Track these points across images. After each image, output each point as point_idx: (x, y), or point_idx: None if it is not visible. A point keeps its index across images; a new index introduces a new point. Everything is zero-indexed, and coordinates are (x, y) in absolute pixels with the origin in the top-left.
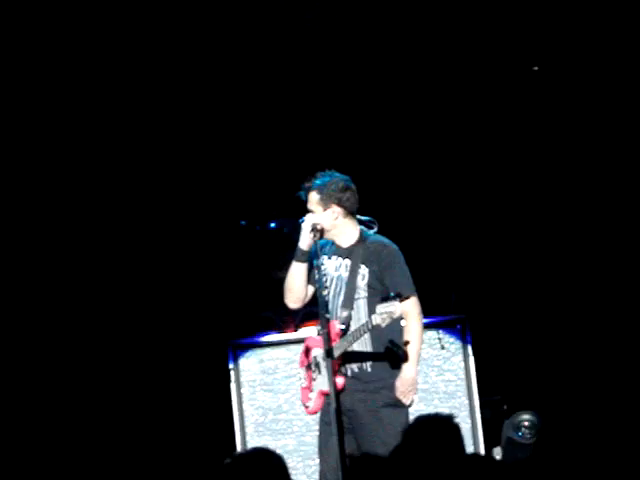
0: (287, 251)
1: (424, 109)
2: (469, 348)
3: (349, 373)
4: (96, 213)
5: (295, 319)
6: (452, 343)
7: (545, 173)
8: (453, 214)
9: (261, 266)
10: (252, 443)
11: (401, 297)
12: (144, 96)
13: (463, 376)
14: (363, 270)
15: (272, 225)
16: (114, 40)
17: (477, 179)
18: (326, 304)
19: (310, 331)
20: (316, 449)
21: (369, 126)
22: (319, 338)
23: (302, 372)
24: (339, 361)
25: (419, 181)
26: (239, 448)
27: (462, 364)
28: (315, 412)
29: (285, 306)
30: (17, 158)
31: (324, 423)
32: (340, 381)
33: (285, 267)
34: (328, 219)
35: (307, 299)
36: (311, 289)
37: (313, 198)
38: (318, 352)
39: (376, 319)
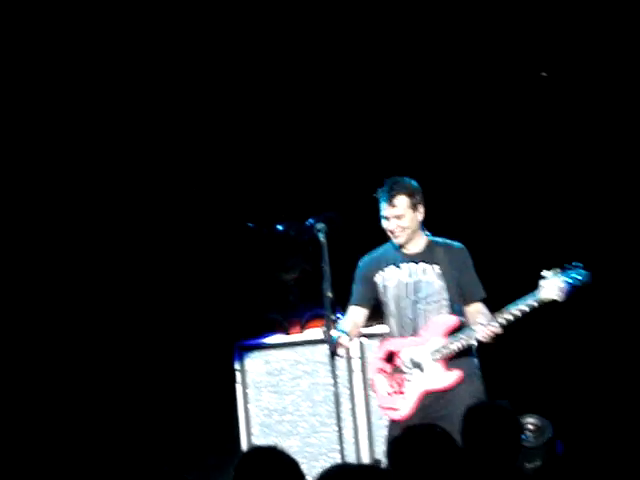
0: (293, 253)
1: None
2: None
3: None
4: (103, 217)
5: (301, 320)
6: None
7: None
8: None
9: (267, 268)
10: (257, 441)
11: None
12: (148, 95)
13: None
14: (443, 270)
15: (279, 228)
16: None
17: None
18: (332, 305)
19: (379, 333)
20: (321, 450)
21: (375, 128)
22: (402, 340)
23: (381, 379)
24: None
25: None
26: (244, 446)
27: None
28: (409, 416)
29: (290, 307)
30: (17, 158)
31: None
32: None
33: (291, 269)
34: (416, 221)
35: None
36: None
37: (403, 201)
38: (414, 352)
39: (478, 333)
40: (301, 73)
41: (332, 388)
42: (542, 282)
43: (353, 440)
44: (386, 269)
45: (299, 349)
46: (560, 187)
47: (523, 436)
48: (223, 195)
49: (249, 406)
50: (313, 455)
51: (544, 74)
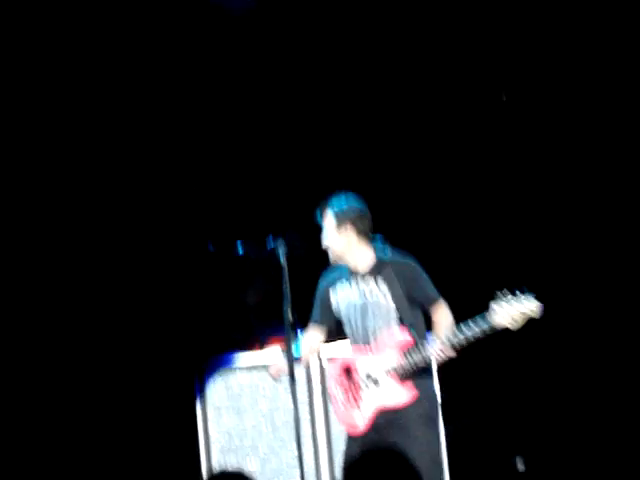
0: (254, 275)
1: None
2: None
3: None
4: (64, 235)
5: (260, 339)
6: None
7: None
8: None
9: (228, 290)
10: (217, 464)
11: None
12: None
13: None
14: (390, 289)
15: (239, 251)
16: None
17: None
18: (292, 324)
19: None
20: (281, 472)
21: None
22: (359, 354)
23: (340, 392)
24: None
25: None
26: (204, 469)
27: None
28: (365, 432)
29: (250, 327)
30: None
31: (381, 442)
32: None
33: (252, 292)
34: (342, 242)
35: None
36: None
37: (329, 220)
38: (370, 366)
39: (432, 355)
40: (259, 89)
41: (292, 411)
42: (494, 306)
43: (313, 463)
44: (337, 287)
45: (259, 372)
46: (514, 207)
47: None
48: (184, 217)
49: (209, 428)
50: (272, 478)
51: (504, 98)
